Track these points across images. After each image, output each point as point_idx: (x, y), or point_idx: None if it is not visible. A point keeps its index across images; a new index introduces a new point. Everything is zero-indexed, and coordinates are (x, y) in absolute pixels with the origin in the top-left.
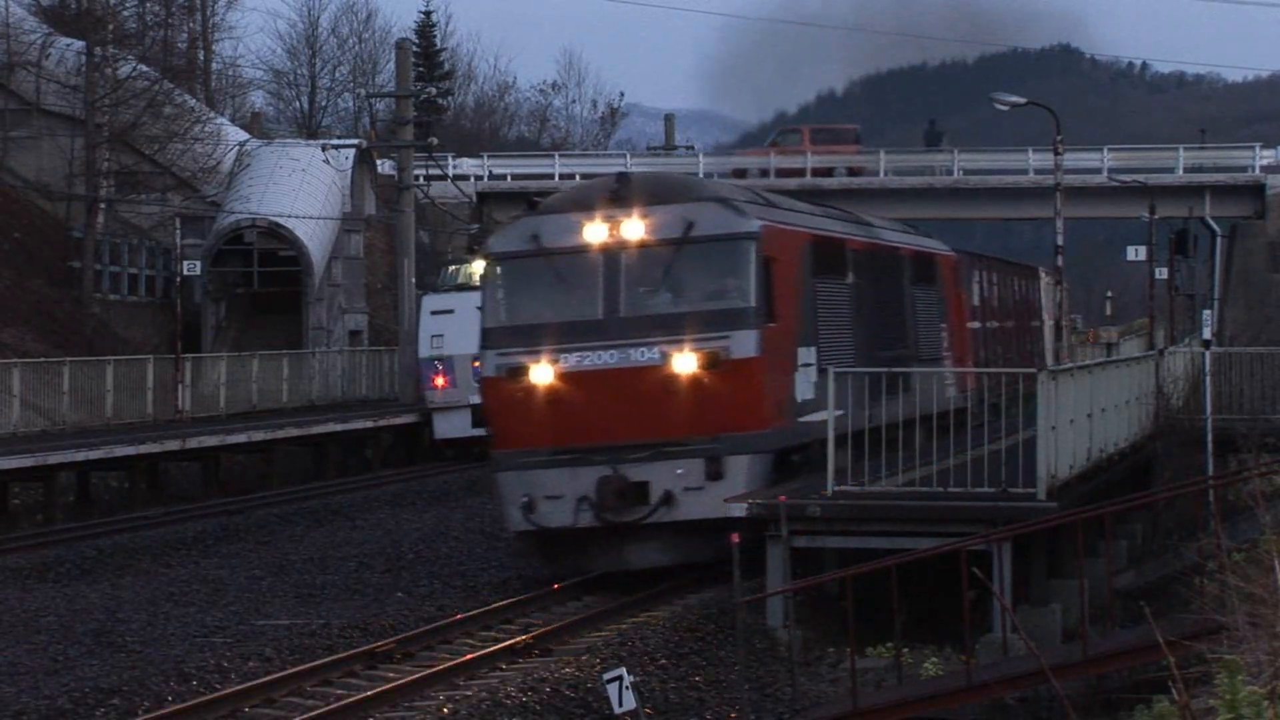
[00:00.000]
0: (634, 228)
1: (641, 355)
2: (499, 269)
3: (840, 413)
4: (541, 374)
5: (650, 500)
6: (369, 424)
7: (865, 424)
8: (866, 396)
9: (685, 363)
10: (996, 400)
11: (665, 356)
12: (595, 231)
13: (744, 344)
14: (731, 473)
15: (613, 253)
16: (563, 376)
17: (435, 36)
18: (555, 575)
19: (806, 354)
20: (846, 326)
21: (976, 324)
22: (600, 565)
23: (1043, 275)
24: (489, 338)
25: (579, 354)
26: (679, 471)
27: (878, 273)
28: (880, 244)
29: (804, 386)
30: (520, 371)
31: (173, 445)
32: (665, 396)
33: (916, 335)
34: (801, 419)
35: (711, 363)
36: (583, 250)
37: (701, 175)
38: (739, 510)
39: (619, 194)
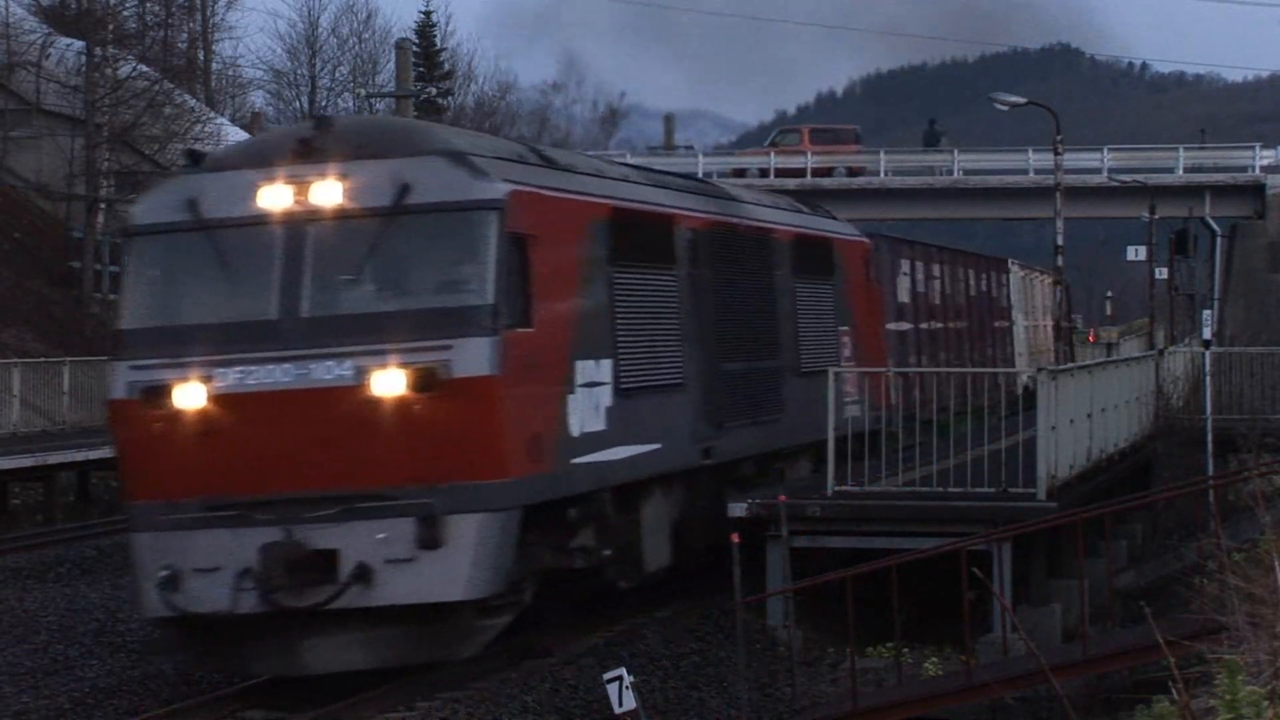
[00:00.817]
0: (328, 192)
1: (329, 372)
2: (137, 248)
3: (651, 447)
4: (189, 396)
5: (339, 576)
6: None
7: (699, 459)
8: (691, 420)
9: (389, 382)
10: (940, 416)
11: (362, 374)
12: (274, 196)
13: (472, 356)
14: (456, 538)
15: (297, 227)
16: (219, 400)
17: (435, 36)
18: (211, 678)
19: (592, 370)
20: (671, 331)
21: (906, 325)
22: (267, 667)
23: (1014, 269)
24: (121, 343)
25: (242, 369)
26: (380, 536)
27: (733, 260)
28: (738, 223)
29: (585, 414)
30: (161, 393)
31: None
32: (363, 430)
33: (796, 341)
34: (580, 459)
35: (425, 383)
36: (255, 223)
37: (701, 175)
38: (739, 510)
39: (312, 145)
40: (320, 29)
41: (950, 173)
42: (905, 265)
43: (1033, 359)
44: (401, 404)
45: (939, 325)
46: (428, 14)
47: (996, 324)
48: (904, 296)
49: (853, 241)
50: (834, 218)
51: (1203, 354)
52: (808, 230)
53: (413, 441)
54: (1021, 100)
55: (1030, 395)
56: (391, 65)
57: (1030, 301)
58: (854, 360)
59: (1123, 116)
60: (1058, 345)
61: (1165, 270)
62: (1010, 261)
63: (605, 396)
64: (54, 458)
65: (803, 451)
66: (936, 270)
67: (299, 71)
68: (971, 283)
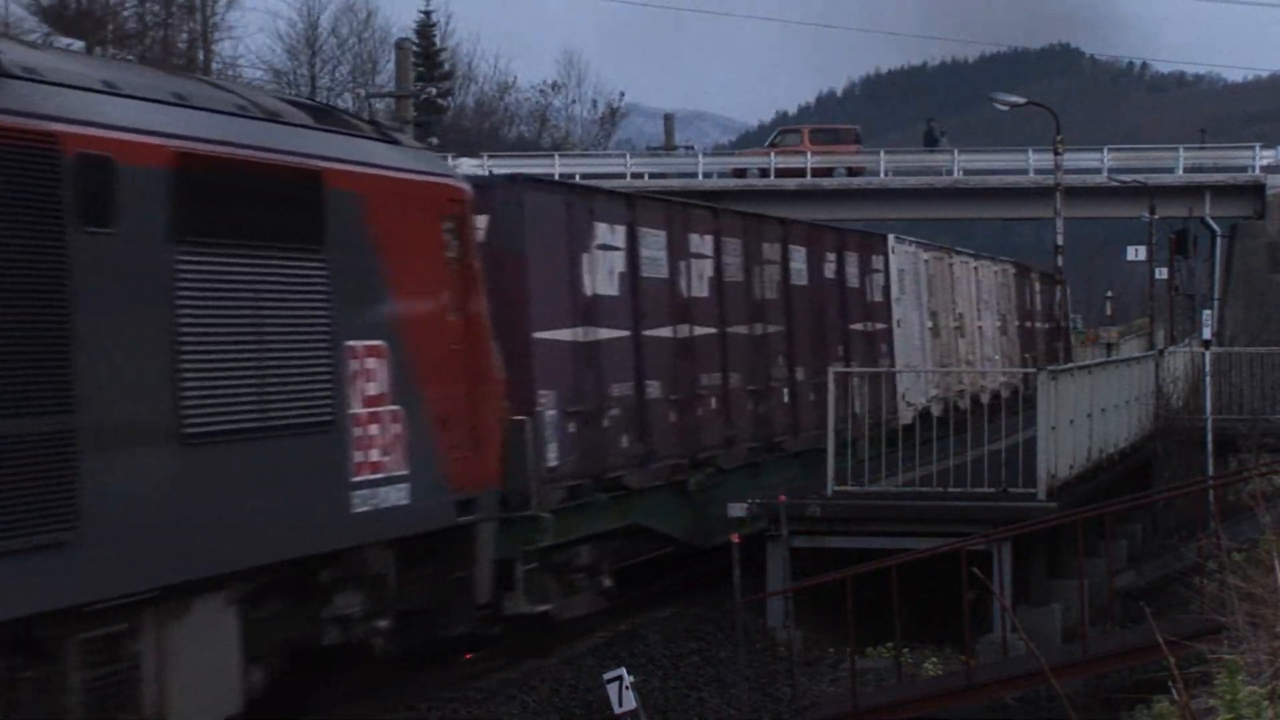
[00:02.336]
0: None
1: None
2: None
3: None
4: None
5: None
6: None
7: None
8: None
9: None
10: (704, 474)
11: None
12: None
13: None
14: None
15: None
16: None
17: (435, 36)
18: None
19: None
20: None
21: (605, 332)
22: None
23: (900, 249)
24: None
25: None
26: None
27: None
28: None
29: None
30: None
31: None
32: None
33: (168, 373)
34: None
35: None
36: None
37: (701, 176)
38: (739, 510)
39: None
40: (320, 29)
41: (950, 173)
42: (611, 234)
43: (950, 369)
44: None
45: (710, 331)
46: (428, 14)
47: (856, 326)
48: (602, 286)
49: (410, 182)
50: (392, 139)
51: (1203, 354)
52: (230, 149)
53: None
54: (1021, 100)
55: (943, 421)
56: (391, 65)
57: (946, 296)
58: (392, 399)
59: (1123, 116)
60: (1054, 346)
61: (1165, 270)
62: (892, 238)
63: None
64: None
65: (200, 593)
66: (706, 245)
67: (299, 71)
68: (800, 266)
